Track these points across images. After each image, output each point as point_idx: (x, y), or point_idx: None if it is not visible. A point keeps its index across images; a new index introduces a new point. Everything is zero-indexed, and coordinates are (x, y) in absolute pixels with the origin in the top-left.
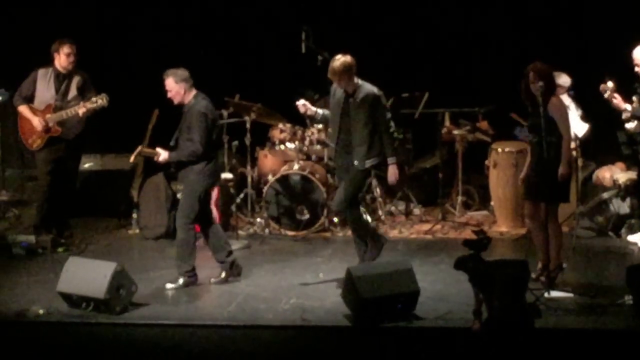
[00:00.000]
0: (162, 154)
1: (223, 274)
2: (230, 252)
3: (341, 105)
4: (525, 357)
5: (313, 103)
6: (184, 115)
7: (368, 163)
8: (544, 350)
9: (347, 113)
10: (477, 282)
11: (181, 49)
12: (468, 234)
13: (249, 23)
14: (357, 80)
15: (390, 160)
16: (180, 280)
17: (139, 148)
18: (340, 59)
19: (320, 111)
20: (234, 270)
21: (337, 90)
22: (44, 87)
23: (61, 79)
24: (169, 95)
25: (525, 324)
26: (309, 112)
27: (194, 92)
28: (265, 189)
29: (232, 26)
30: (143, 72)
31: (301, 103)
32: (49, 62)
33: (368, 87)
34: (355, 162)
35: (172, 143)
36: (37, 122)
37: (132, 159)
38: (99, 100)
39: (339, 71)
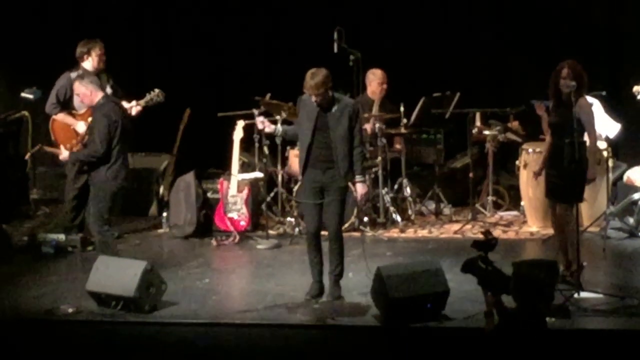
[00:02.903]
0: (63, 153)
1: None
2: None
3: (314, 119)
4: (541, 358)
5: None
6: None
7: (349, 178)
8: (573, 351)
9: (324, 127)
10: (486, 284)
11: (212, 48)
12: (498, 234)
13: (281, 22)
14: (332, 93)
15: (359, 178)
16: None
17: (38, 146)
18: (321, 72)
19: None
20: None
21: (308, 103)
22: None
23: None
24: (79, 98)
25: (536, 326)
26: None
27: (100, 94)
28: (295, 188)
29: (263, 25)
30: (175, 71)
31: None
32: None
33: (346, 99)
34: (340, 180)
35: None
36: (82, 125)
37: (27, 156)
38: (155, 97)
39: (322, 83)
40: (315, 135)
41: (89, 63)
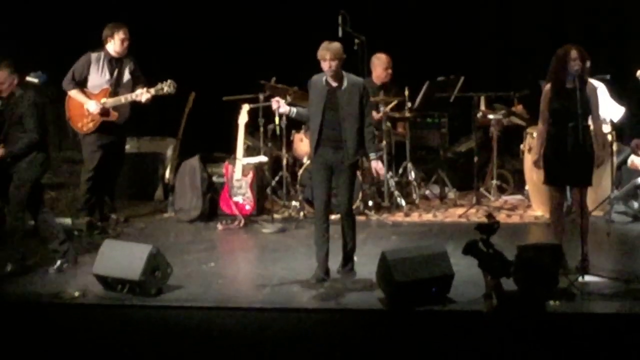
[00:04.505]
0: None
1: (58, 262)
2: (64, 240)
3: (324, 97)
4: (539, 340)
5: None
6: (11, 106)
7: (357, 157)
8: (577, 335)
9: (333, 106)
10: (486, 267)
11: (216, 32)
12: (503, 218)
13: (286, 6)
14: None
15: (373, 155)
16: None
17: None
18: (334, 42)
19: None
20: (67, 257)
21: (317, 83)
22: (97, 72)
23: (114, 64)
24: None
25: (535, 309)
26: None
27: (17, 81)
28: (300, 172)
29: (269, 9)
30: (179, 55)
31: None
32: (91, 46)
33: (355, 78)
34: (347, 159)
35: (1, 137)
36: (93, 105)
37: None
38: (165, 87)
39: (339, 52)
40: (325, 114)
41: (112, 46)
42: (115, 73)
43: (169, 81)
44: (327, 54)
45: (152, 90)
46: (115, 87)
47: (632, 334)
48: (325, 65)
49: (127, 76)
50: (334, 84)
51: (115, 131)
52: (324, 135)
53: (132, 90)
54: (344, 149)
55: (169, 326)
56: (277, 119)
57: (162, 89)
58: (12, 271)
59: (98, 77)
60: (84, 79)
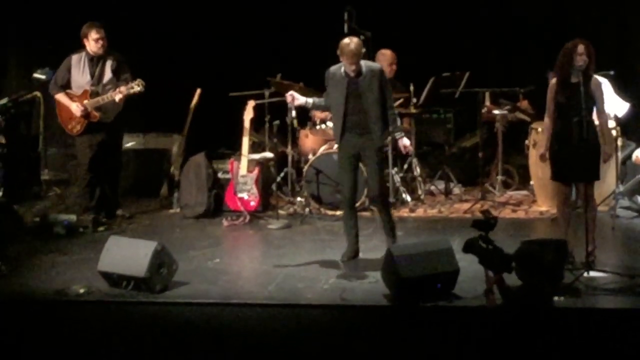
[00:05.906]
0: None
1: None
2: None
3: (345, 87)
4: (544, 335)
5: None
6: None
7: (383, 139)
8: (582, 330)
9: (355, 94)
10: (487, 264)
11: (222, 28)
12: (508, 213)
13: (292, 2)
14: None
15: (399, 134)
16: None
17: None
18: (354, 40)
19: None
20: None
21: (336, 74)
22: (79, 73)
23: (95, 63)
24: None
25: (541, 304)
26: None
27: None
28: (305, 168)
29: (274, 5)
30: (185, 51)
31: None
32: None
33: (371, 64)
34: (375, 142)
35: None
36: (75, 108)
37: None
38: (135, 87)
39: (359, 52)
40: (348, 103)
41: (88, 46)
42: (96, 73)
43: (138, 80)
44: (350, 54)
45: (124, 90)
46: (97, 87)
47: (637, 330)
48: (349, 68)
49: (108, 75)
50: (353, 74)
51: (107, 129)
52: (349, 122)
53: (117, 87)
54: (369, 134)
55: (175, 323)
56: (293, 113)
57: (133, 87)
58: (5, 271)
59: (80, 78)
60: (67, 82)
